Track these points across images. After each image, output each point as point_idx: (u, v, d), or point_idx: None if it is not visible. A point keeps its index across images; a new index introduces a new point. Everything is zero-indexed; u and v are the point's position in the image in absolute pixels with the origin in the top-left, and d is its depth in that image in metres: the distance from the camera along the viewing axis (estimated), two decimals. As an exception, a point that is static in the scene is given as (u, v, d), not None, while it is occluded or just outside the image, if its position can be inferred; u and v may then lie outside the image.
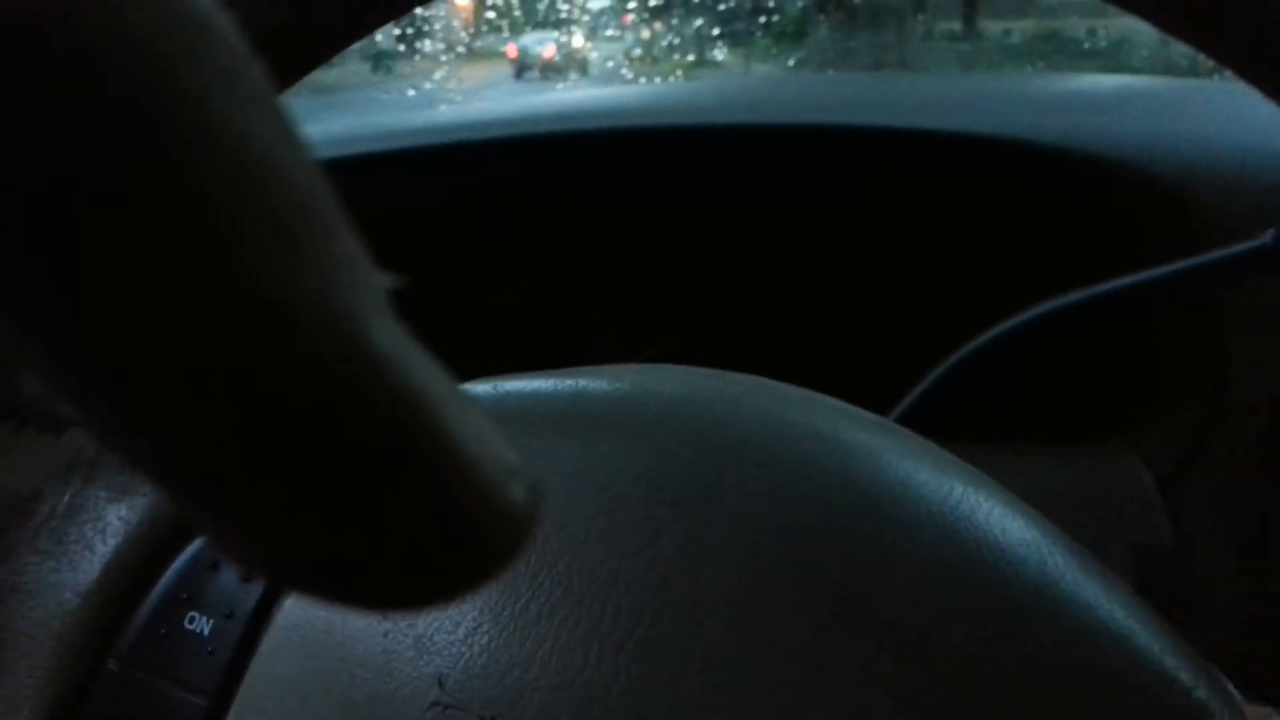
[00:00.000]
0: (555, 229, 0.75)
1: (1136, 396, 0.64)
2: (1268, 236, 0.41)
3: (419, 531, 0.09)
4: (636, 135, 0.71)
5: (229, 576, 0.22)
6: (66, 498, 0.23)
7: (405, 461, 0.09)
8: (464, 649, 0.20)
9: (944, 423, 0.44)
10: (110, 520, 0.23)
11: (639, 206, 0.75)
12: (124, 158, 0.07)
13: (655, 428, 0.22)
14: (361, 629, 0.20)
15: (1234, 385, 0.57)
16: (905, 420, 0.43)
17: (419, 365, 0.09)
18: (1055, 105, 0.72)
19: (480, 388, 0.25)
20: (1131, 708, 0.19)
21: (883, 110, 0.71)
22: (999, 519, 0.21)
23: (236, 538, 0.09)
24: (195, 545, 0.23)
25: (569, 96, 0.87)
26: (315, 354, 0.09)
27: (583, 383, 0.24)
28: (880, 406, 0.33)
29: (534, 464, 0.21)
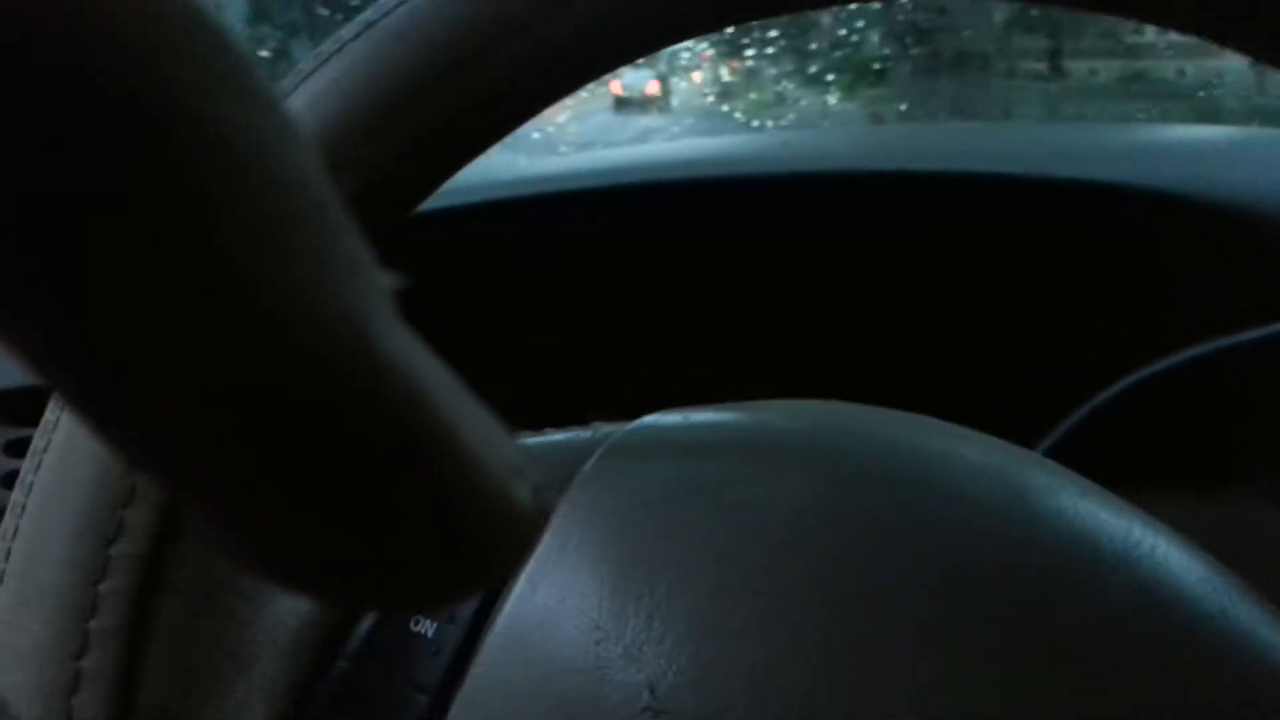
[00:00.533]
0: (613, 273, 0.77)
1: (1267, 442, 0.64)
2: None
3: (424, 532, 0.09)
4: (713, 184, 0.73)
5: None
6: None
7: (409, 463, 0.09)
8: (672, 659, 0.21)
9: (1082, 464, 0.44)
10: None
11: (704, 249, 0.76)
12: (120, 158, 0.07)
13: (840, 461, 0.24)
14: (574, 638, 0.22)
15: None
16: (1063, 443, 0.44)
17: (423, 367, 0.09)
18: (1172, 153, 0.72)
19: (671, 417, 0.27)
20: None
21: (959, 157, 0.73)
22: (1177, 559, 0.22)
23: (241, 538, 0.09)
24: None
25: (663, 148, 0.89)
26: (317, 356, 0.08)
27: (770, 415, 0.26)
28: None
29: (726, 488, 0.23)
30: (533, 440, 0.27)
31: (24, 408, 0.69)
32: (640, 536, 0.23)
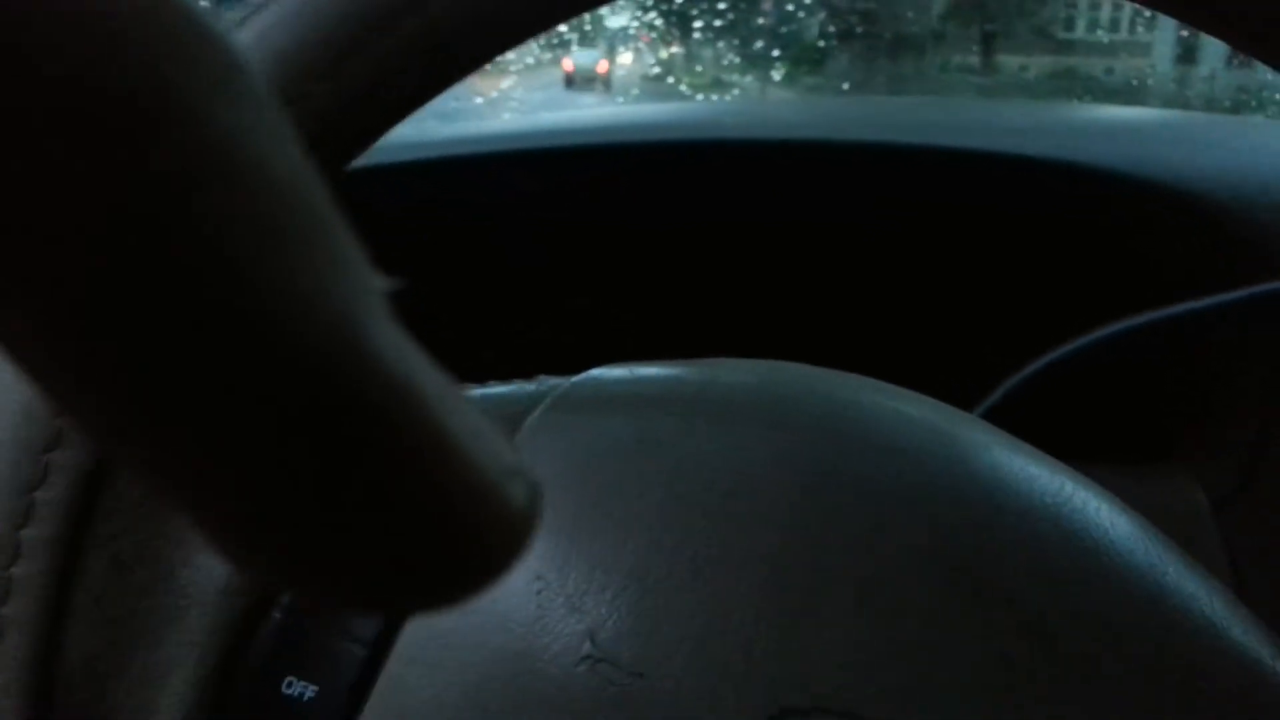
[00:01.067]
0: (583, 245, 0.77)
1: (1190, 417, 0.66)
2: None
3: (417, 532, 0.09)
4: (664, 149, 0.73)
5: None
6: None
7: (402, 462, 0.09)
8: (613, 609, 0.21)
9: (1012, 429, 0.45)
10: None
11: (666, 223, 0.77)
12: (119, 159, 0.07)
13: (785, 415, 0.24)
14: (515, 588, 0.22)
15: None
16: (1002, 406, 0.45)
17: (417, 366, 0.09)
18: (1090, 131, 0.74)
19: (617, 371, 0.26)
20: (1230, 696, 0.21)
21: (916, 130, 0.73)
22: (1108, 514, 0.22)
23: (232, 537, 0.09)
24: None
25: (606, 112, 0.89)
26: (309, 354, 0.08)
27: (716, 371, 0.26)
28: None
29: (671, 442, 0.23)
30: (477, 391, 0.27)
31: None
32: (584, 489, 0.23)
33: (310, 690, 0.23)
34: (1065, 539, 0.21)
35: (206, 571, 0.23)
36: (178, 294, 0.08)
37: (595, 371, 0.27)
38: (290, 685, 0.23)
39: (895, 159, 0.71)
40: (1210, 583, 0.22)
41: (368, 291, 0.09)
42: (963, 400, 0.47)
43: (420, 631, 0.22)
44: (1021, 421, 0.47)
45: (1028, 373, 0.47)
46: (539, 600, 0.21)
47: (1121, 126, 0.73)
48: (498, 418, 0.25)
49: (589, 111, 0.85)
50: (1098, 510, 0.23)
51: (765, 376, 0.26)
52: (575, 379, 0.26)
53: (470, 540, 0.09)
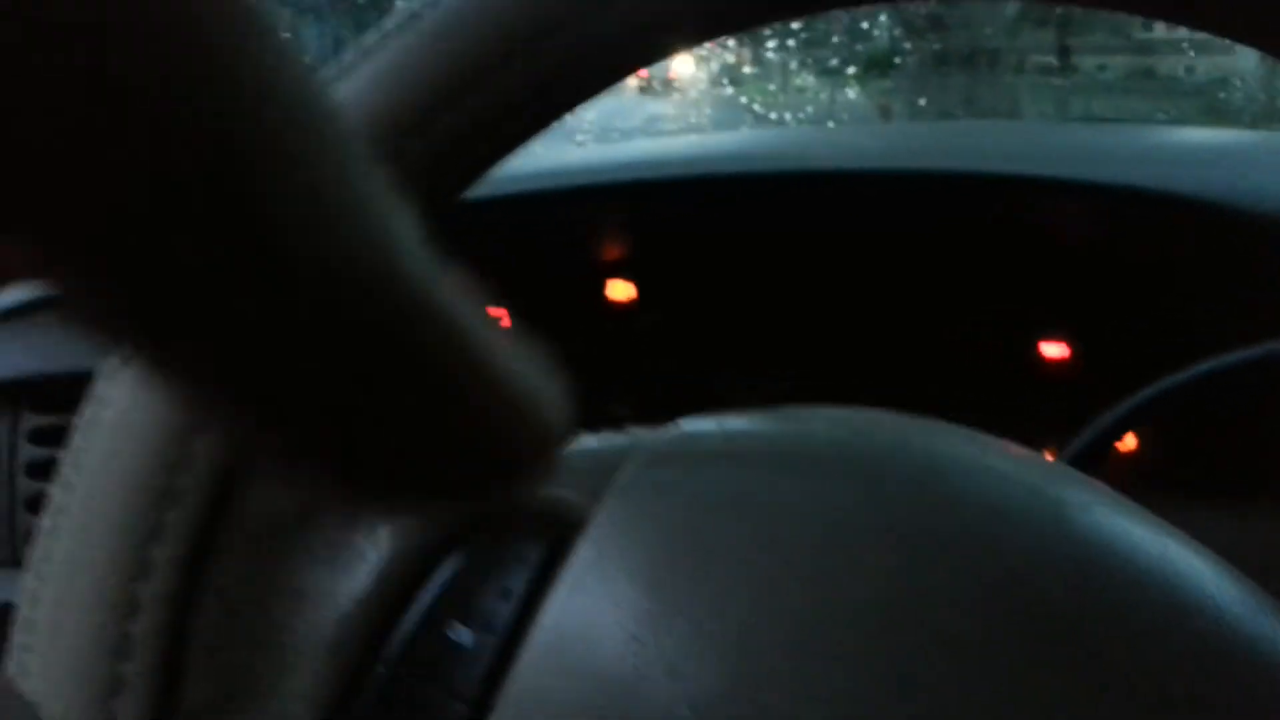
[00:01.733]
0: (690, 265, 0.78)
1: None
2: None
3: (461, 437, 0.10)
4: (769, 178, 0.73)
5: (487, 592, 0.24)
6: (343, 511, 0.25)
7: (447, 375, 0.10)
8: (712, 674, 0.21)
9: (1101, 473, 0.45)
10: (381, 532, 0.25)
11: (762, 244, 0.77)
12: (206, 169, 0.09)
13: (882, 471, 0.24)
14: (613, 649, 0.22)
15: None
16: (1082, 455, 0.44)
17: (460, 305, 0.10)
18: (1176, 156, 0.72)
19: (707, 424, 0.27)
20: None
21: (1008, 159, 0.73)
22: (1213, 578, 0.22)
23: (293, 451, 0.10)
24: (458, 558, 0.25)
25: (686, 143, 0.90)
26: (392, 315, 0.10)
27: (808, 424, 0.26)
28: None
29: (767, 500, 0.23)
30: (565, 446, 0.27)
31: (48, 396, 0.69)
32: (680, 548, 0.23)
33: None
34: (1170, 605, 0.21)
35: (316, 624, 0.24)
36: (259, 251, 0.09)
37: (685, 424, 0.27)
38: None
39: (972, 188, 0.70)
40: None
41: (419, 249, 0.10)
42: (1051, 433, 0.47)
43: (521, 690, 0.22)
44: (1112, 463, 0.47)
45: (1121, 411, 0.46)
46: (635, 663, 0.21)
47: (1211, 151, 0.71)
48: (588, 471, 0.26)
49: (663, 142, 0.85)
50: (1202, 574, 0.22)
51: (859, 429, 0.26)
52: (666, 434, 0.26)
53: (509, 445, 0.11)
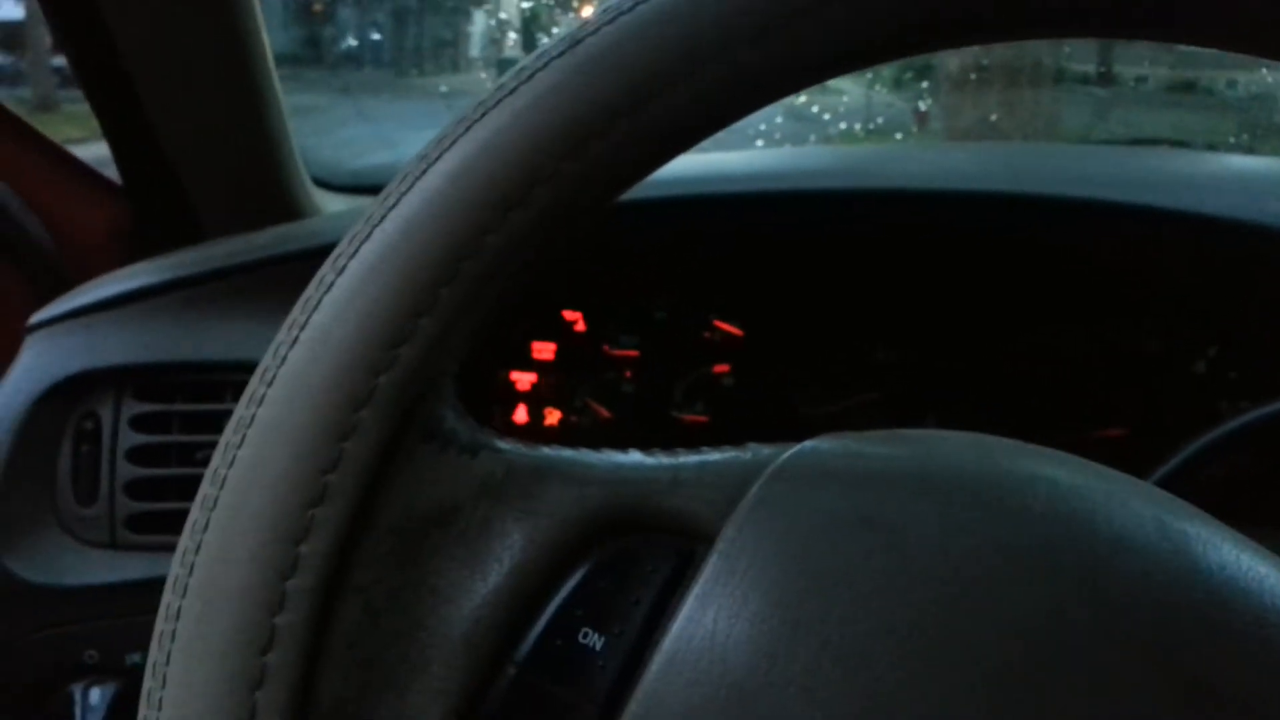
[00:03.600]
0: (769, 282, 0.79)
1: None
2: None
3: None
4: (850, 196, 0.74)
5: (618, 599, 0.25)
6: (480, 513, 0.26)
7: None
8: (846, 697, 0.22)
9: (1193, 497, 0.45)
10: (515, 537, 0.26)
11: (836, 259, 0.78)
12: None
13: (1008, 499, 0.24)
14: (745, 661, 0.23)
15: None
16: (1182, 470, 0.45)
17: None
18: (1253, 187, 0.72)
19: (833, 444, 0.27)
20: None
21: (1066, 181, 0.73)
22: None
23: None
24: (588, 564, 0.26)
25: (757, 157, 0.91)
26: None
27: (933, 447, 0.27)
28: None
29: (893, 522, 0.24)
30: (690, 458, 0.27)
31: (151, 384, 0.70)
32: (812, 566, 0.24)
33: None
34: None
35: (451, 623, 0.25)
36: None
37: (811, 443, 0.27)
38: None
39: (1028, 209, 0.70)
40: None
41: None
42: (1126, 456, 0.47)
43: (651, 696, 0.23)
44: (1202, 488, 0.47)
45: (1212, 437, 0.46)
46: (768, 679, 0.22)
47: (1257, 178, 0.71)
48: (713, 485, 0.26)
49: (717, 157, 0.86)
50: None
51: (984, 455, 0.26)
52: (792, 450, 0.27)
53: None
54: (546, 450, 0.28)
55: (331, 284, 0.25)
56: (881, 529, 0.24)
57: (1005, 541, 0.23)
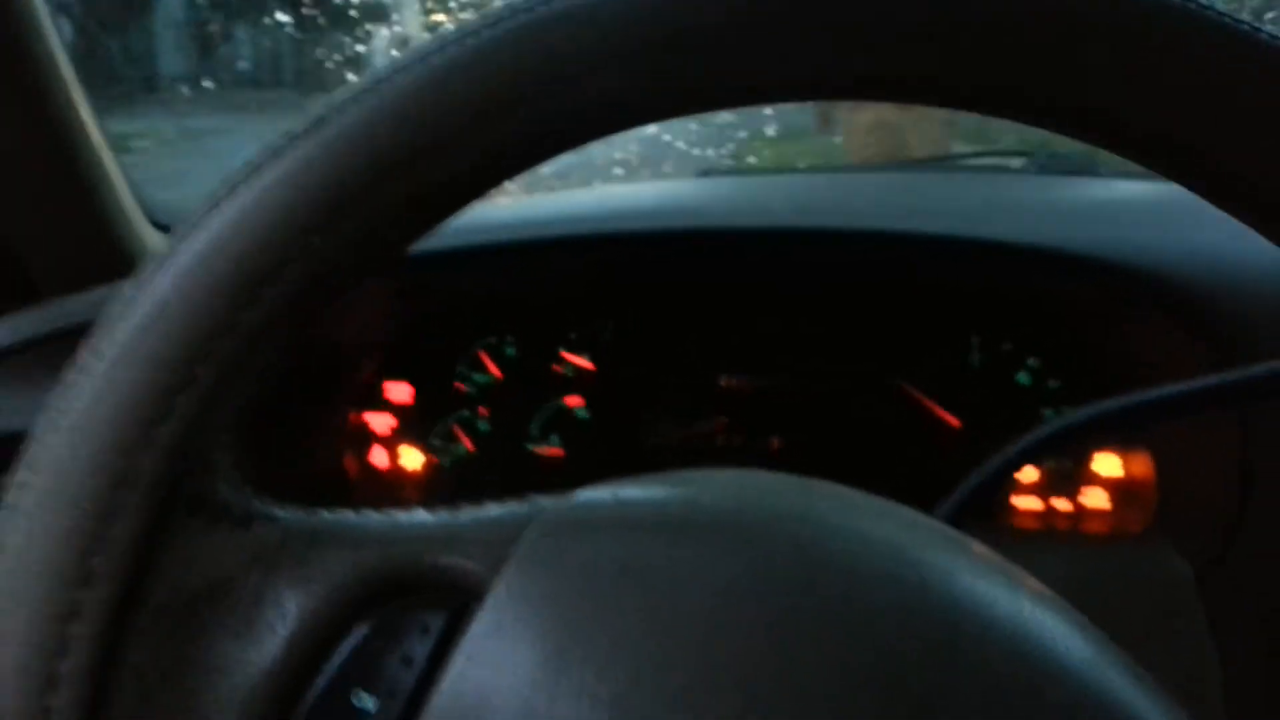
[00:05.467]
0: (622, 314, 0.81)
1: (1173, 490, 0.68)
2: None
3: None
4: (706, 234, 0.76)
5: (390, 660, 0.26)
6: (253, 585, 0.26)
7: None
8: None
9: (988, 512, 0.48)
10: (289, 606, 0.26)
11: (692, 295, 0.80)
12: None
13: (758, 541, 0.26)
14: (513, 715, 0.23)
15: (1261, 479, 0.61)
16: (964, 502, 0.47)
17: None
18: (1066, 213, 0.77)
19: (602, 493, 0.28)
20: None
21: (897, 214, 0.77)
22: (1064, 638, 0.24)
23: None
24: (362, 630, 0.26)
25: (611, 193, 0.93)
26: None
27: (699, 490, 0.28)
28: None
29: (653, 569, 0.25)
30: (469, 514, 0.28)
31: None
32: (573, 617, 0.24)
33: None
34: (1022, 667, 0.23)
35: (226, 696, 0.25)
36: None
37: (582, 494, 0.28)
38: None
39: (858, 244, 0.74)
40: (1168, 707, 0.23)
41: None
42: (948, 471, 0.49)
43: None
44: (999, 504, 0.49)
45: (1008, 456, 0.48)
46: None
47: (1094, 207, 0.76)
48: (489, 541, 0.27)
49: (575, 199, 0.88)
50: (1053, 634, 0.24)
51: (746, 494, 0.27)
52: (562, 504, 0.28)
53: None
54: (325, 515, 0.28)
55: (88, 366, 0.25)
56: (639, 576, 0.25)
57: (753, 581, 0.25)
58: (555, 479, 0.83)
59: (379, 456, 0.86)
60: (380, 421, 0.86)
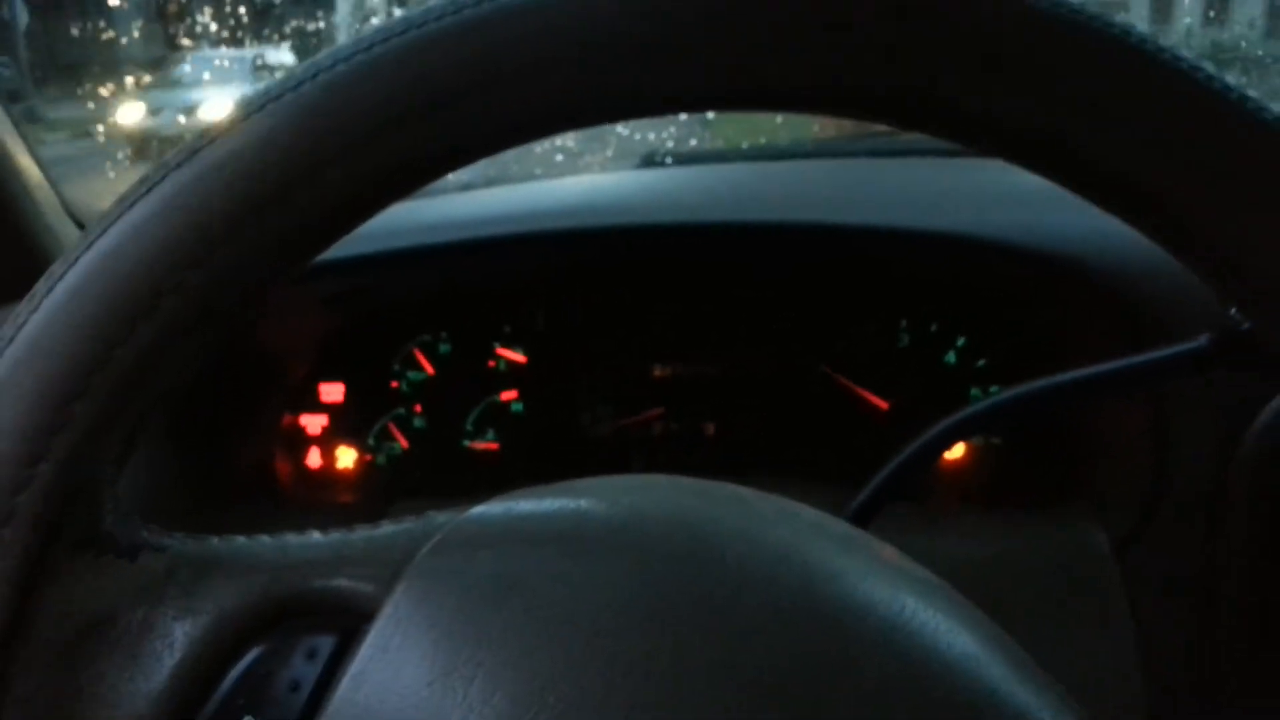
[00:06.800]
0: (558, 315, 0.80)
1: (1094, 463, 0.70)
2: (1203, 340, 0.45)
3: None
4: (637, 231, 0.76)
5: (279, 685, 0.26)
6: (139, 616, 0.26)
7: None
8: None
9: (916, 488, 0.49)
10: (176, 636, 0.26)
11: (626, 295, 0.80)
12: None
13: (647, 551, 0.26)
14: None
15: (1177, 453, 0.63)
16: (885, 486, 0.48)
17: None
18: (990, 199, 0.78)
19: (496, 509, 0.28)
20: None
21: (827, 205, 0.77)
22: (945, 634, 0.24)
23: None
24: (250, 656, 0.26)
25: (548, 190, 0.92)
26: None
27: (589, 501, 0.28)
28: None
29: (536, 584, 0.25)
30: (361, 533, 0.28)
31: None
32: (459, 634, 0.25)
33: None
34: (901, 665, 0.23)
35: None
36: None
37: (477, 510, 0.28)
38: None
39: (805, 235, 0.74)
40: (1045, 692, 0.24)
41: None
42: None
43: None
44: (934, 477, 0.50)
45: (931, 435, 0.49)
46: None
47: (1020, 190, 0.77)
48: (383, 559, 0.27)
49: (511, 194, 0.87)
50: (935, 631, 0.25)
51: (639, 504, 0.28)
52: (455, 519, 0.28)
53: None
54: (215, 541, 0.28)
55: None
56: (523, 592, 0.25)
57: (639, 591, 0.25)
58: (491, 475, 0.85)
59: (313, 457, 0.86)
60: (314, 422, 0.85)
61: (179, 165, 0.25)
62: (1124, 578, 0.65)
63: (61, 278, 0.25)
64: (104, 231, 0.25)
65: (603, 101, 0.25)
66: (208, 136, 0.25)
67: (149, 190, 0.25)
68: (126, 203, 0.25)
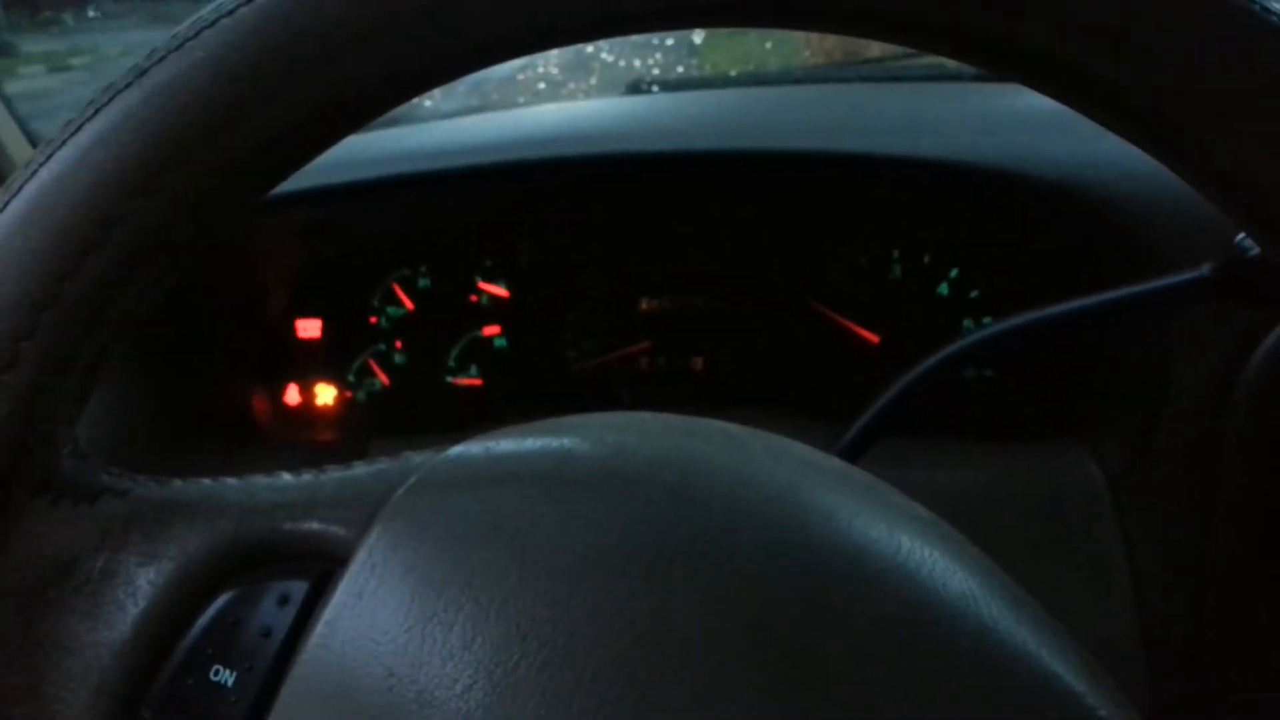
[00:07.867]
0: (542, 246, 0.78)
1: (1089, 397, 0.69)
2: (1205, 269, 0.44)
3: None
4: (623, 159, 0.74)
5: (249, 632, 0.24)
6: (100, 563, 0.25)
7: None
8: (461, 703, 0.22)
9: (909, 422, 0.48)
10: (140, 583, 0.25)
11: (615, 224, 0.78)
12: None
13: (634, 490, 0.25)
14: (368, 684, 0.22)
15: (1175, 387, 0.62)
16: (877, 421, 0.47)
17: None
18: (984, 125, 0.76)
19: (475, 448, 0.27)
20: None
21: (817, 132, 0.75)
22: (942, 573, 0.23)
23: None
24: (219, 603, 0.25)
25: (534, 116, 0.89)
26: None
27: (572, 441, 0.27)
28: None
29: (521, 525, 0.24)
30: (333, 474, 0.27)
31: None
32: (439, 577, 0.23)
33: None
34: (896, 605, 0.23)
35: (77, 675, 0.24)
36: None
37: (456, 449, 0.27)
38: None
39: (798, 162, 0.72)
40: (1043, 631, 0.23)
41: None
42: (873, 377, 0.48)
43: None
44: (925, 409, 0.49)
45: (922, 369, 0.48)
46: (390, 697, 0.22)
47: (1017, 116, 0.75)
48: (358, 500, 0.26)
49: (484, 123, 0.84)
50: (931, 570, 0.24)
51: (624, 442, 0.26)
52: (434, 459, 0.27)
53: None
54: (179, 484, 0.26)
55: None
56: (506, 533, 0.24)
57: (620, 533, 0.24)
58: (474, 411, 0.83)
59: (291, 395, 0.84)
60: (291, 359, 0.83)
61: (126, 86, 0.23)
62: (1117, 511, 0.65)
63: (3, 209, 0.23)
64: (48, 158, 0.23)
65: (577, 14, 0.23)
66: (156, 55, 0.23)
67: (95, 113, 0.23)
68: (71, 128, 0.23)
